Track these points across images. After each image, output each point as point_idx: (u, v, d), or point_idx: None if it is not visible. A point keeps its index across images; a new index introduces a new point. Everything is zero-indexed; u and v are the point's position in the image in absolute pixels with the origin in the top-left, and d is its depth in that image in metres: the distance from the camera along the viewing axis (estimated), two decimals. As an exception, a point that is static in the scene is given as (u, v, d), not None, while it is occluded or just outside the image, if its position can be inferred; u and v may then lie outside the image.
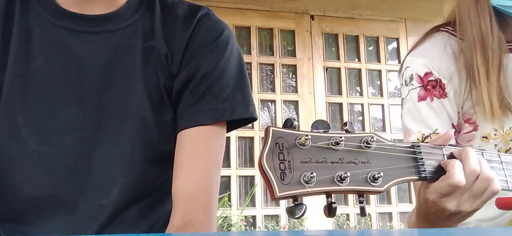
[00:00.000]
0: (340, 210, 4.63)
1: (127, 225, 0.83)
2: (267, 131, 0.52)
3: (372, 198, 4.75)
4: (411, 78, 1.04)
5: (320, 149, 0.54)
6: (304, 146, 0.53)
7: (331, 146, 0.55)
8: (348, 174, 0.54)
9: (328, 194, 0.55)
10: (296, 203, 0.52)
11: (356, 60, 5.06)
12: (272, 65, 4.71)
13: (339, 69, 4.94)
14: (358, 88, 5.02)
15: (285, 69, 4.81)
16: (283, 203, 4.48)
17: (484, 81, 0.98)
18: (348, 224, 4.61)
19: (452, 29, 1.07)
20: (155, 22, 0.87)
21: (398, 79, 1.11)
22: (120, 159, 0.82)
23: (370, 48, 5.13)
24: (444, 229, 0.83)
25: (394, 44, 5.17)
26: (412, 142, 0.65)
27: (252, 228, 4.32)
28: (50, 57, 0.82)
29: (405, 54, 1.11)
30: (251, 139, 4.52)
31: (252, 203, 4.41)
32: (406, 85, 1.05)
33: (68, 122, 0.81)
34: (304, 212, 0.52)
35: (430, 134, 1.01)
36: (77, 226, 0.80)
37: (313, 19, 4.88)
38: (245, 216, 4.29)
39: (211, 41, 0.86)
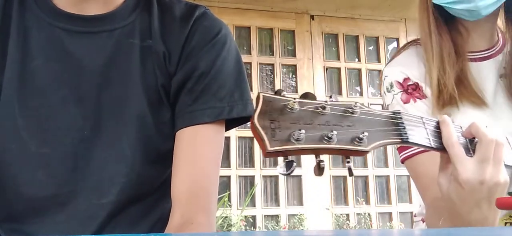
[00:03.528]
0: (340, 210, 4.64)
1: (127, 225, 0.83)
2: (258, 97, 0.56)
3: (373, 198, 4.75)
4: (392, 86, 1.10)
5: (307, 112, 0.58)
6: (292, 110, 0.57)
7: (317, 110, 0.59)
8: (334, 133, 0.58)
9: (317, 153, 0.58)
10: (286, 160, 0.56)
11: (356, 60, 5.06)
12: (272, 65, 4.71)
13: (339, 69, 4.94)
14: (358, 88, 5.03)
15: (285, 69, 4.81)
16: (283, 204, 4.48)
17: (435, 90, 1.04)
18: (348, 224, 4.61)
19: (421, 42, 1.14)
20: (152, 22, 0.87)
21: (380, 89, 1.17)
22: (119, 159, 0.82)
23: (370, 48, 5.13)
24: (445, 229, 0.83)
25: (394, 44, 5.17)
26: (393, 111, 0.68)
27: (252, 228, 4.32)
28: (48, 58, 0.82)
29: (383, 67, 1.18)
30: (251, 139, 4.52)
31: (252, 203, 4.41)
32: (388, 91, 1.10)
33: (67, 122, 0.81)
34: (294, 168, 0.56)
35: None
36: (77, 226, 0.80)
37: (313, 19, 4.88)
38: (245, 216, 4.29)
39: (208, 40, 0.86)
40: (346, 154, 0.60)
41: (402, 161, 1.06)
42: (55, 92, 0.81)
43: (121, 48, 0.84)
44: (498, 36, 1.16)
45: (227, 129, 0.88)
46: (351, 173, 0.61)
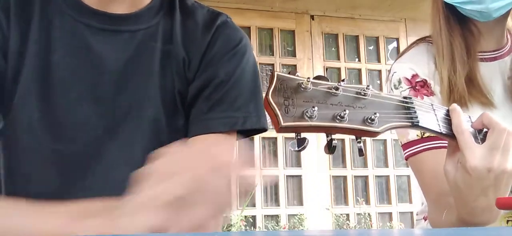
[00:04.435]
0: (340, 210, 4.64)
1: None
2: (272, 74, 0.57)
3: (372, 198, 4.75)
4: (400, 82, 1.09)
5: (321, 93, 0.59)
6: (306, 89, 0.57)
7: (330, 91, 0.59)
8: (347, 112, 0.58)
9: (329, 131, 0.59)
10: (299, 137, 0.57)
11: (356, 60, 5.06)
12: (272, 65, 4.72)
13: (339, 69, 4.95)
14: (358, 88, 5.02)
15: (285, 69, 4.80)
16: (283, 204, 4.48)
17: (445, 89, 1.04)
18: (348, 224, 4.61)
19: (431, 40, 1.14)
20: (174, 26, 0.86)
21: (386, 85, 1.16)
22: (129, 161, 0.81)
23: (370, 48, 5.13)
24: (444, 229, 0.83)
25: (394, 44, 5.17)
26: (404, 95, 0.68)
27: (252, 228, 4.32)
28: (69, 52, 0.81)
29: (392, 63, 1.18)
30: (251, 139, 4.51)
31: (252, 203, 4.41)
32: (396, 88, 1.10)
33: (83, 120, 0.80)
34: (306, 145, 0.56)
35: None
36: None
37: (313, 19, 4.89)
38: (245, 216, 4.29)
39: (229, 49, 0.86)
40: (357, 134, 0.61)
41: (406, 158, 1.06)
42: (73, 88, 0.80)
43: (143, 50, 0.83)
44: (507, 37, 1.16)
45: (237, 138, 0.87)
46: (361, 153, 0.62)
